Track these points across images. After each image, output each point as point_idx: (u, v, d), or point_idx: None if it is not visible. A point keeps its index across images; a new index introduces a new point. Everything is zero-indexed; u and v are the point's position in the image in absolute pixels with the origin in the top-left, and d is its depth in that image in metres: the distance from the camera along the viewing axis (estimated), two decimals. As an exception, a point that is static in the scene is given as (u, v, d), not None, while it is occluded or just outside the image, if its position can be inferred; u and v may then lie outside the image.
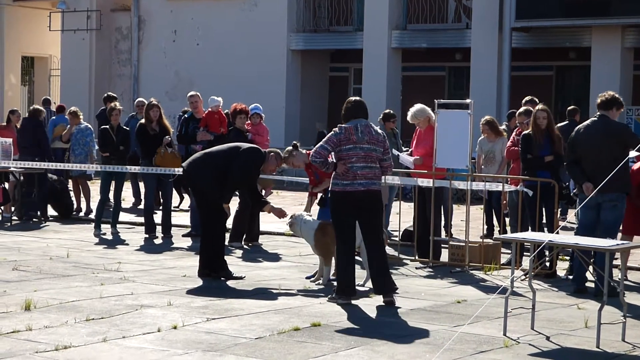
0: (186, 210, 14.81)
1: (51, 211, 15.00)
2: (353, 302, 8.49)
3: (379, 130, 8.69)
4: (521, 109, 11.74)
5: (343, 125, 8.55)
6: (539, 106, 10.54)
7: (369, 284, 9.36)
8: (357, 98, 8.86)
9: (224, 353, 6.67)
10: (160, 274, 9.97)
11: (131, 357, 6.48)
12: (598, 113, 9.29)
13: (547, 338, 7.38)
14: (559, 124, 12.53)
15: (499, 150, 12.48)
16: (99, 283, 9.24)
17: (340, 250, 8.66)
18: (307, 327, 7.55)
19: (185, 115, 13.42)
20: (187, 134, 13.01)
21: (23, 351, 6.55)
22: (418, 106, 11.38)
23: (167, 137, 12.98)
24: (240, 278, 9.65)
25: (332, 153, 8.54)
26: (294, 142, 10.75)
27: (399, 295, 9.01)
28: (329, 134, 8.61)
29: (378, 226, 8.72)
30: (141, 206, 15.91)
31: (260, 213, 11.87)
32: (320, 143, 8.57)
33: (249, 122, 13.19)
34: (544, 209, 10.46)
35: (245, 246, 12.20)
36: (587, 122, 9.41)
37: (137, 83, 26.58)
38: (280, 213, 9.87)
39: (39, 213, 14.65)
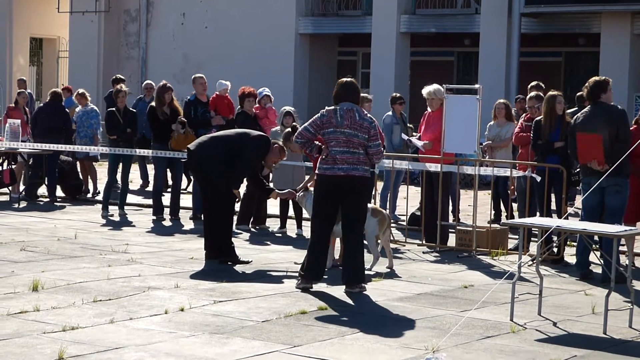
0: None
1: (59, 192, 15.02)
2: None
3: (366, 116, 8.41)
4: (531, 94, 11.69)
5: (329, 108, 8.45)
6: (554, 92, 10.48)
7: (376, 268, 9.39)
8: (348, 80, 8.54)
9: (230, 335, 6.68)
10: (167, 256, 9.98)
11: (138, 339, 6.49)
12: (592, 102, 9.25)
13: (554, 324, 7.37)
14: (569, 110, 12.48)
15: (506, 134, 12.46)
16: (107, 264, 9.26)
17: (313, 234, 8.48)
18: (314, 310, 7.56)
19: (189, 98, 13.31)
20: (197, 117, 12.94)
21: (30, 331, 6.57)
22: (435, 85, 11.34)
23: (180, 117, 12.91)
24: (247, 262, 9.65)
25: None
26: (294, 123, 10.72)
27: (405, 280, 9.03)
28: (315, 116, 8.50)
29: (359, 215, 8.44)
30: (149, 188, 15.97)
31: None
32: (305, 124, 8.49)
33: (258, 105, 13.16)
34: (552, 194, 10.44)
35: (252, 229, 12.21)
36: (586, 109, 9.39)
37: (145, 66, 26.57)
38: (291, 194, 9.86)
39: (47, 194, 14.68)
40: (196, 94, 13.18)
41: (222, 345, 6.43)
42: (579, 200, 12.83)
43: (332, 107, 8.43)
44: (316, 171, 8.54)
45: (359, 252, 8.40)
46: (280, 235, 11.87)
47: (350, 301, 8.01)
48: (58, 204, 14.41)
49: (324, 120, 8.35)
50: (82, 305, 7.45)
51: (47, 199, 14.56)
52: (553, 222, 7.83)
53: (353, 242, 8.41)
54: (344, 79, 8.59)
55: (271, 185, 11.84)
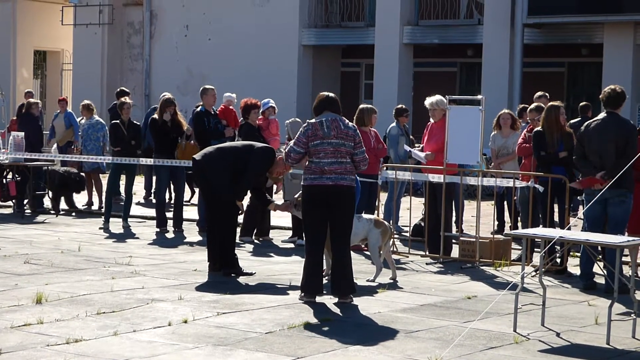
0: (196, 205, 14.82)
1: (63, 205, 15.05)
2: (355, 300, 8.38)
3: (350, 125, 8.48)
4: (532, 106, 11.71)
5: (311, 121, 8.48)
6: (557, 103, 10.50)
7: (379, 279, 9.39)
8: (328, 93, 8.63)
9: (234, 347, 6.69)
10: (171, 268, 10.00)
11: (142, 351, 6.50)
12: (607, 110, 9.30)
13: (558, 334, 7.37)
14: (572, 121, 12.50)
15: (513, 145, 12.46)
16: (110, 277, 9.27)
17: (307, 249, 8.43)
18: (318, 322, 7.56)
19: (199, 110, 13.29)
20: (211, 129, 12.88)
21: (34, 344, 6.58)
22: (438, 96, 11.36)
23: (188, 127, 12.96)
24: (251, 274, 9.66)
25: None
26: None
27: (408, 291, 9.03)
28: (298, 133, 8.50)
29: (346, 226, 8.43)
30: (152, 198, 16.05)
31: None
32: (291, 145, 8.49)
33: (262, 116, 13.16)
34: (556, 205, 10.45)
35: (255, 241, 12.22)
36: (598, 118, 9.41)
37: (148, 78, 26.66)
38: (286, 208, 9.88)
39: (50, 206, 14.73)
40: (205, 105, 13.08)
41: (226, 357, 6.44)
42: (581, 211, 12.86)
43: (315, 120, 8.45)
44: (302, 182, 8.54)
45: (349, 262, 8.43)
46: (292, 244, 11.88)
47: (353, 312, 8.02)
48: (61, 216, 14.44)
49: (308, 134, 8.37)
50: (85, 317, 7.47)
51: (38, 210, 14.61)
52: (556, 232, 7.83)
53: (342, 252, 8.42)
54: (323, 93, 8.65)
55: (279, 196, 11.87)
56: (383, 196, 12.87)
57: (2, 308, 7.69)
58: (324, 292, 8.50)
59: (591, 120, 9.47)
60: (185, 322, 7.40)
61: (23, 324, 7.14)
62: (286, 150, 8.64)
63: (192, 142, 12.87)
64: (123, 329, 7.11)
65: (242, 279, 9.46)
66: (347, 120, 8.59)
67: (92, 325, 7.21)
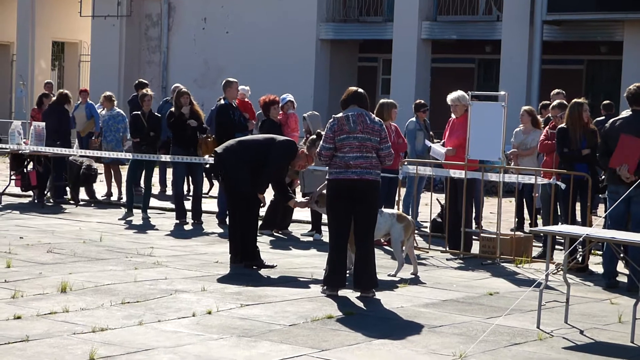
0: (216, 197, 14.85)
1: (83, 195, 15.11)
2: (376, 294, 8.35)
3: (377, 119, 8.50)
4: (554, 102, 11.69)
5: (336, 115, 8.49)
6: (580, 100, 10.47)
7: (401, 274, 9.40)
8: (356, 88, 8.65)
9: (258, 339, 6.71)
10: (192, 259, 10.03)
11: (167, 341, 6.53)
12: (632, 108, 9.27)
13: (581, 332, 7.37)
14: (596, 119, 12.46)
15: (531, 142, 12.44)
16: (133, 267, 9.31)
17: (331, 243, 8.45)
18: (341, 315, 7.58)
19: (223, 102, 13.25)
20: (236, 121, 12.89)
21: (61, 332, 6.62)
22: (460, 92, 11.35)
23: (206, 126, 13.05)
24: (272, 267, 9.68)
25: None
26: (318, 130, 10.74)
27: (430, 286, 9.04)
28: (325, 130, 8.51)
29: (371, 221, 8.45)
30: (168, 192, 16.11)
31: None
32: (321, 143, 8.49)
33: (281, 112, 13.16)
34: (578, 203, 10.42)
35: (275, 234, 12.23)
36: (623, 115, 9.38)
37: (166, 70, 26.70)
38: (307, 204, 9.90)
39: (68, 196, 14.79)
40: (228, 98, 13.08)
41: (251, 348, 6.46)
42: (601, 209, 12.82)
43: (340, 115, 8.46)
44: (327, 177, 8.56)
45: (372, 257, 8.44)
46: (311, 237, 11.90)
47: (376, 306, 8.03)
48: (80, 206, 14.50)
49: (335, 128, 8.39)
50: (110, 307, 7.50)
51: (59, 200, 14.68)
52: (581, 230, 7.81)
53: (365, 248, 8.43)
54: (351, 88, 8.68)
55: (299, 190, 11.89)
56: (401, 191, 12.86)
57: (27, 296, 7.74)
58: (346, 286, 8.51)
59: (616, 118, 9.45)
60: (209, 313, 7.43)
61: (49, 312, 7.19)
62: (317, 151, 8.64)
63: (209, 138, 12.90)
64: (148, 318, 7.15)
65: (263, 272, 9.49)
66: (373, 115, 8.60)
67: (117, 314, 7.25)
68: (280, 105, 13.05)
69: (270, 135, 10.26)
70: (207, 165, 13.45)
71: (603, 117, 13.18)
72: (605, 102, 14.60)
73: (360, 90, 8.64)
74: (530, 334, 7.20)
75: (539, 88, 21.55)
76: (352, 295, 8.41)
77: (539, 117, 13.10)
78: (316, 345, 6.60)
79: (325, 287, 8.44)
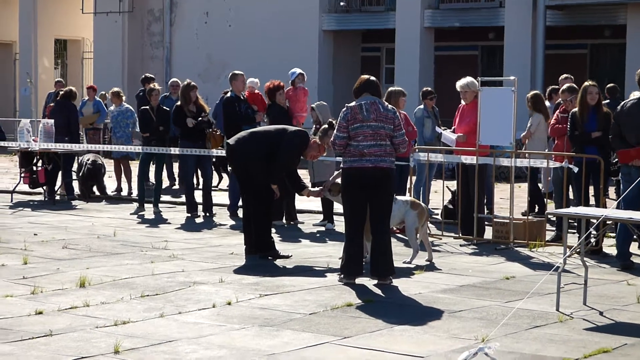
0: (225, 190, 14.89)
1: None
2: (393, 281, 8.40)
3: (390, 107, 8.51)
4: (564, 86, 11.68)
5: (349, 104, 8.49)
6: (588, 82, 10.47)
7: (416, 261, 9.42)
8: (368, 76, 8.64)
9: (280, 328, 6.73)
10: (207, 252, 10.05)
11: (189, 332, 6.56)
12: None
13: (601, 313, 7.38)
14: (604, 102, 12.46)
15: (533, 126, 12.48)
16: (149, 261, 9.34)
17: (347, 232, 8.48)
18: (360, 302, 7.60)
19: (229, 95, 13.33)
20: (242, 114, 12.91)
21: (83, 326, 6.64)
22: (469, 78, 11.36)
23: (206, 116, 13.06)
24: (288, 257, 9.70)
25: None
26: (330, 119, 10.74)
27: (446, 272, 9.06)
28: (339, 119, 8.51)
29: (386, 208, 8.47)
30: (175, 186, 16.17)
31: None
32: (335, 132, 8.50)
33: (291, 87, 13.13)
34: (591, 186, 10.43)
35: (285, 224, 12.25)
36: (634, 98, 9.39)
37: (169, 65, 26.70)
38: (319, 193, 9.91)
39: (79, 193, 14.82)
40: (235, 90, 13.09)
41: (273, 337, 6.48)
42: (611, 191, 12.83)
43: (353, 103, 8.47)
44: (342, 165, 8.57)
45: (388, 244, 8.46)
46: (322, 228, 11.92)
47: (394, 293, 8.05)
48: (90, 202, 14.53)
49: (348, 117, 8.39)
50: (130, 300, 7.53)
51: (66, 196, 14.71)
52: (598, 211, 7.82)
53: (382, 235, 8.45)
54: (363, 76, 8.66)
55: (308, 179, 11.89)
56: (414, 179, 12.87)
57: (47, 292, 7.77)
58: (363, 274, 8.54)
59: (627, 100, 9.46)
60: (229, 304, 7.45)
61: (70, 306, 7.21)
62: (331, 140, 8.65)
63: (217, 132, 12.94)
64: (168, 311, 7.17)
65: (279, 262, 9.51)
66: (386, 103, 8.61)
67: (138, 307, 7.27)
68: (290, 80, 13.07)
69: (282, 125, 10.25)
70: (214, 159, 13.46)
71: (607, 101, 13.16)
72: (609, 85, 14.58)
73: (373, 78, 8.63)
74: (551, 316, 7.21)
75: (543, 73, 21.54)
76: (369, 283, 8.44)
77: (546, 102, 13.11)
78: (338, 333, 6.62)
79: (342, 276, 8.46)
